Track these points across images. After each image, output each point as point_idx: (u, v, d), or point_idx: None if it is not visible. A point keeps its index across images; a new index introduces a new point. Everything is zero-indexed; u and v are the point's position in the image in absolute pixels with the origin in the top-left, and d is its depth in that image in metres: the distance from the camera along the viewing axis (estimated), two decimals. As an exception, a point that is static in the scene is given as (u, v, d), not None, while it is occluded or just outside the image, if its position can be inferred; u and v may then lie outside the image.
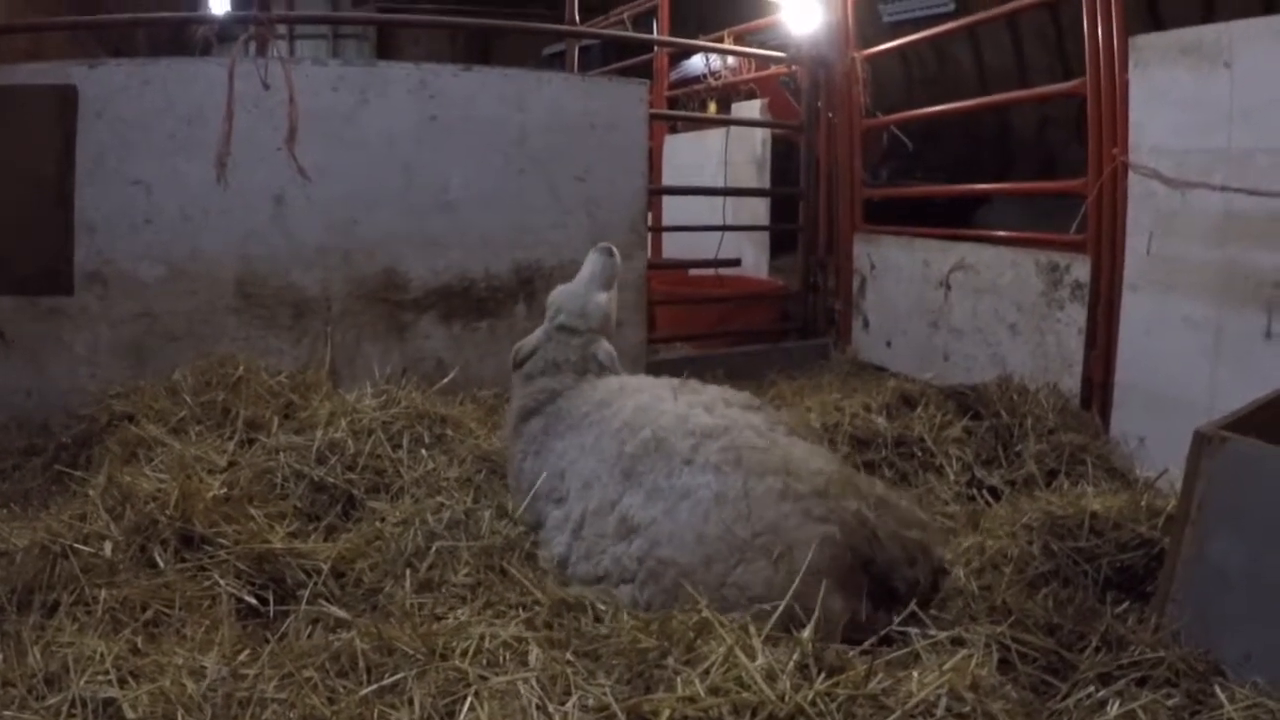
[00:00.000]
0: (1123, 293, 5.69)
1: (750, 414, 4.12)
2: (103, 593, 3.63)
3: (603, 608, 3.59)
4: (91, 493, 4.28)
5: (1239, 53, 4.99)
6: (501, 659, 3.20)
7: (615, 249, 5.15)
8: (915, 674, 2.77)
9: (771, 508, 3.45)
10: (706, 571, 3.39)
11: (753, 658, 2.79)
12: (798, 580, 3.23)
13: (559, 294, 5.07)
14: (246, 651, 3.37)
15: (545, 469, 4.42)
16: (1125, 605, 3.60)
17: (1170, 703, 3.00)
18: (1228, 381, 5.03)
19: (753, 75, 11.57)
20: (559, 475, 4.31)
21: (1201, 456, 3.34)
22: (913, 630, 3.29)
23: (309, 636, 3.53)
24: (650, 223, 8.50)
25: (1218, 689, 3.03)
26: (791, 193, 9.41)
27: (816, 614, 3.08)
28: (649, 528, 3.65)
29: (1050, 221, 7.18)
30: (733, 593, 3.31)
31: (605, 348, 4.84)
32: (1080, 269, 6.01)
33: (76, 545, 3.85)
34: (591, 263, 5.09)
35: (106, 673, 3.15)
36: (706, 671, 2.77)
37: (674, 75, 13.11)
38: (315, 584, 3.90)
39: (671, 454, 3.78)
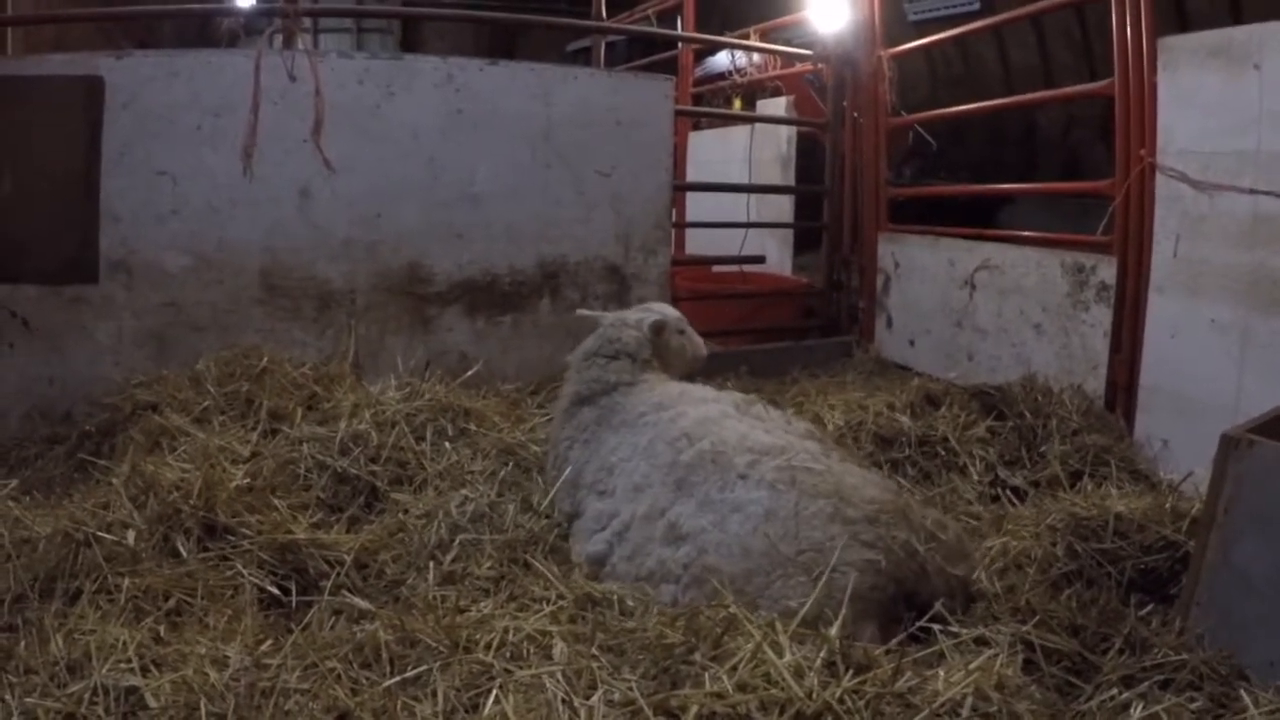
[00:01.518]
0: (1148, 295, 5.66)
1: (810, 441, 4.11)
2: (125, 581, 3.65)
3: (631, 604, 3.59)
4: (115, 481, 4.31)
5: (1269, 54, 4.96)
6: (526, 653, 3.21)
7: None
8: (941, 673, 2.77)
9: (819, 529, 3.45)
10: (747, 583, 3.40)
11: (780, 655, 2.79)
12: (833, 592, 3.24)
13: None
14: (269, 641, 3.39)
15: (593, 459, 4.43)
16: (1149, 608, 3.59)
17: (1194, 706, 2.98)
18: (1254, 385, 5.00)
19: (778, 72, 11.54)
20: (607, 469, 4.31)
21: (1228, 460, 3.32)
22: (937, 628, 3.28)
23: (332, 627, 3.55)
24: (674, 219, 8.49)
25: (1243, 693, 3.01)
26: (816, 190, 9.40)
27: (844, 611, 3.08)
28: (698, 536, 3.64)
29: (1073, 222, 7.15)
30: (768, 604, 3.31)
31: (661, 306, 5.19)
32: (1106, 270, 5.98)
33: (99, 533, 3.88)
34: None
35: (129, 661, 3.17)
36: (734, 668, 2.77)
37: (699, 72, 13.10)
38: (338, 575, 3.92)
39: (727, 468, 3.79)
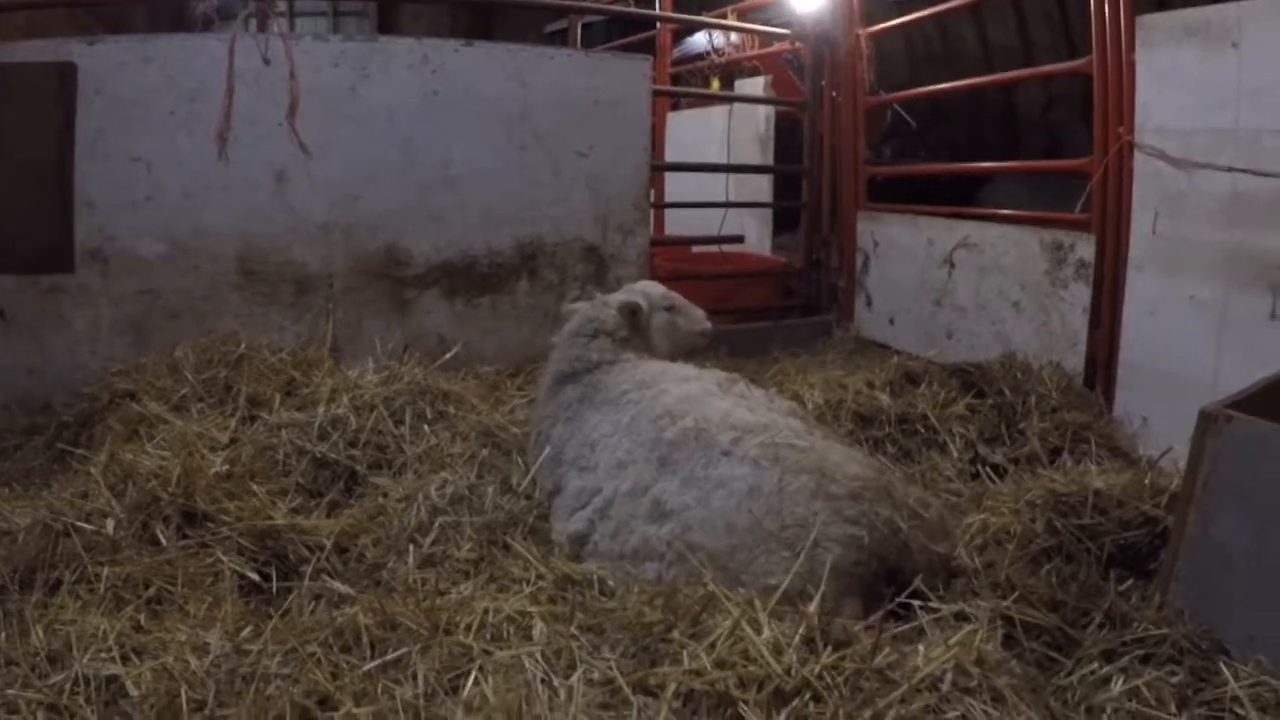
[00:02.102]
0: (1127, 272, 5.68)
1: (793, 419, 4.12)
2: (105, 570, 3.65)
3: (611, 583, 3.60)
4: (93, 471, 4.29)
5: (1246, 33, 4.97)
6: (505, 633, 3.21)
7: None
8: (921, 648, 2.77)
9: (803, 504, 3.46)
10: (731, 559, 3.41)
11: (759, 631, 2.79)
12: (815, 567, 3.25)
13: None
14: (249, 628, 3.38)
15: (575, 436, 4.44)
16: (1129, 583, 3.59)
17: (1174, 680, 2.99)
18: (1232, 362, 5.02)
19: (756, 52, 11.52)
20: (589, 445, 4.32)
21: (1207, 435, 3.33)
22: (917, 604, 3.28)
23: (312, 612, 3.55)
24: (653, 199, 8.47)
25: (1222, 666, 3.02)
26: (795, 170, 9.38)
27: (823, 587, 3.09)
28: (682, 513, 3.65)
29: (1052, 200, 7.16)
30: (751, 580, 3.31)
31: (646, 285, 5.26)
32: (1085, 248, 5.99)
33: (79, 523, 3.87)
34: None
35: (109, 650, 3.17)
36: (712, 645, 2.77)
37: (677, 52, 13.06)
38: (318, 560, 3.92)
39: (711, 445, 3.79)
